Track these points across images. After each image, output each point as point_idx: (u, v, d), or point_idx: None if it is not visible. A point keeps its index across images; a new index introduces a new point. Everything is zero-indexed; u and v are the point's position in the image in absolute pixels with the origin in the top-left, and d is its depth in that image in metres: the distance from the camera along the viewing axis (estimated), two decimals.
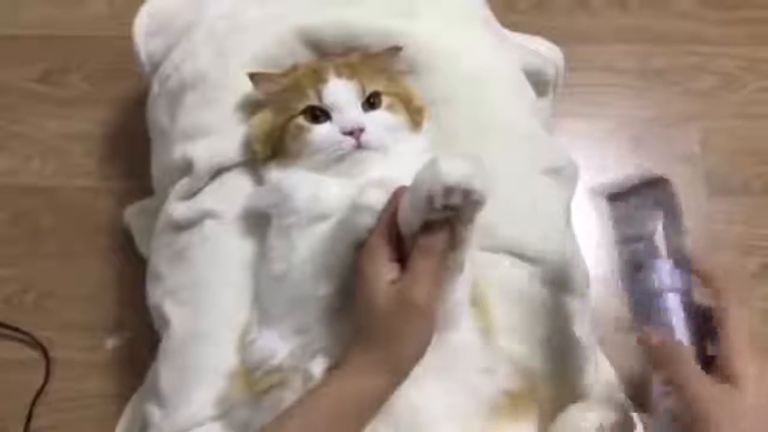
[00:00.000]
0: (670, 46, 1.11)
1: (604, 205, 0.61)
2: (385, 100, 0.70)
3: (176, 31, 0.81)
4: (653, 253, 0.58)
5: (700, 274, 0.58)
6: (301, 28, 0.77)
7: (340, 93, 0.68)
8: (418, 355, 0.56)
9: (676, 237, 0.58)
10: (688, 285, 0.58)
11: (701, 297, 0.58)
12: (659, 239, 0.58)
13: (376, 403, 0.57)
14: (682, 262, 0.58)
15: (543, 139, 0.80)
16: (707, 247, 0.99)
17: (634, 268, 0.59)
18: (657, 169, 1.00)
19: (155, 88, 0.82)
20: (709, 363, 0.55)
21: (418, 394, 0.60)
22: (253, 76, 0.71)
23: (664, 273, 0.58)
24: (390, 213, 0.56)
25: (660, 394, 0.56)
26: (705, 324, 0.57)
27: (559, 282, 0.73)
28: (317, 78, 0.69)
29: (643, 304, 0.59)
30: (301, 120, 0.68)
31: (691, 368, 0.54)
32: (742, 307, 0.55)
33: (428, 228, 0.54)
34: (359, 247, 0.57)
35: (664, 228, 0.58)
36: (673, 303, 0.57)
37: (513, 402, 0.66)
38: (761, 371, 0.53)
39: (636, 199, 0.60)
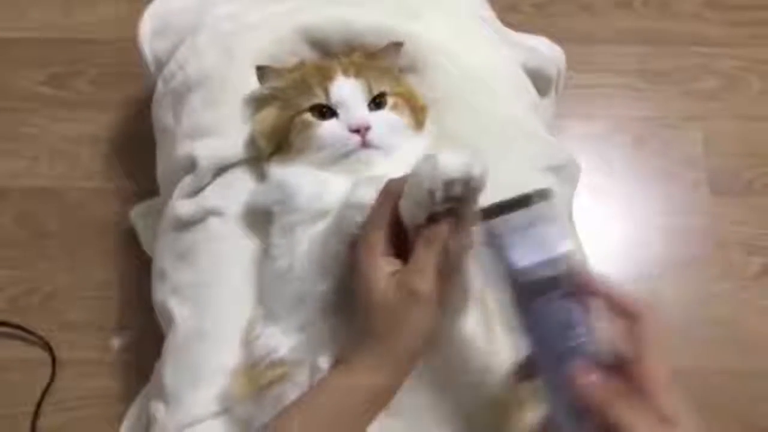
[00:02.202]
0: (672, 47, 1.11)
1: (489, 225, 0.51)
2: (390, 100, 0.71)
3: (181, 31, 0.82)
4: (554, 284, 0.50)
5: (612, 304, 0.50)
6: (304, 27, 0.78)
7: (347, 91, 0.68)
8: (421, 348, 0.56)
9: (569, 259, 0.50)
10: (587, 314, 0.50)
11: (604, 327, 0.51)
12: (562, 263, 0.50)
13: (379, 399, 0.57)
14: (582, 293, 0.50)
15: (544, 138, 0.80)
16: (713, 245, 1.00)
17: (534, 302, 0.50)
18: (655, 172, 1.03)
19: (160, 88, 0.82)
20: None
21: (421, 391, 0.60)
22: (259, 70, 0.71)
23: (569, 302, 0.50)
24: (382, 206, 0.56)
25: None
26: (616, 361, 0.50)
27: None
28: (324, 76, 0.70)
29: (551, 344, 0.50)
30: (307, 116, 0.69)
31: (634, 410, 0.47)
32: (658, 343, 0.49)
33: (432, 219, 0.54)
34: (352, 244, 0.58)
35: (566, 249, 0.50)
36: (582, 340, 0.50)
37: (516, 398, 0.66)
38: (693, 414, 0.48)
39: (525, 216, 0.50)
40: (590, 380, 0.48)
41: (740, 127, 1.07)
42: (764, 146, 1.06)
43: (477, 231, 0.52)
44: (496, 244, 0.51)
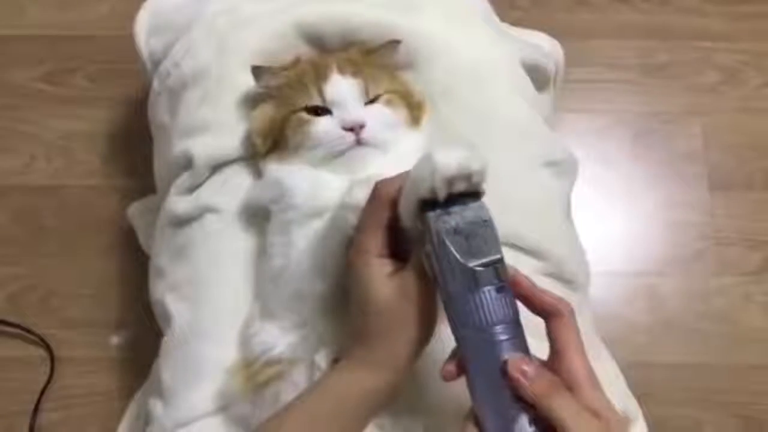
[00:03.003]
0: (672, 41, 1.11)
1: (432, 214, 0.50)
2: (386, 97, 0.70)
3: (176, 28, 0.81)
4: (480, 274, 0.49)
5: (532, 302, 0.51)
6: (300, 22, 0.77)
7: (343, 90, 0.68)
8: (419, 349, 0.56)
9: (503, 261, 0.50)
10: (515, 312, 0.50)
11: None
12: (494, 261, 0.49)
13: (377, 399, 0.56)
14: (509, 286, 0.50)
15: (543, 133, 0.80)
16: (713, 240, 0.99)
17: (466, 291, 0.50)
18: (655, 167, 1.03)
19: (156, 85, 0.82)
20: None
21: (420, 391, 0.60)
22: (255, 69, 0.71)
23: (496, 302, 0.49)
24: (374, 208, 0.55)
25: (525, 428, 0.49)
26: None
27: (559, 275, 0.73)
28: (319, 74, 0.69)
29: (484, 339, 0.50)
30: (302, 114, 0.68)
31: (572, 402, 0.47)
32: (578, 339, 0.50)
33: None
34: (348, 245, 0.57)
35: (499, 250, 0.50)
36: (511, 335, 0.49)
37: None
38: (609, 403, 0.49)
39: (468, 208, 0.51)
40: (532, 372, 0.48)
41: (740, 122, 1.07)
42: (765, 141, 1.06)
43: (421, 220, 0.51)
44: (433, 240, 0.50)
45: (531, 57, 0.84)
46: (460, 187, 0.50)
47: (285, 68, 0.72)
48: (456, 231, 0.50)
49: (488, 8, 0.87)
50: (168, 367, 0.72)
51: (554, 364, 0.50)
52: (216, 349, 0.69)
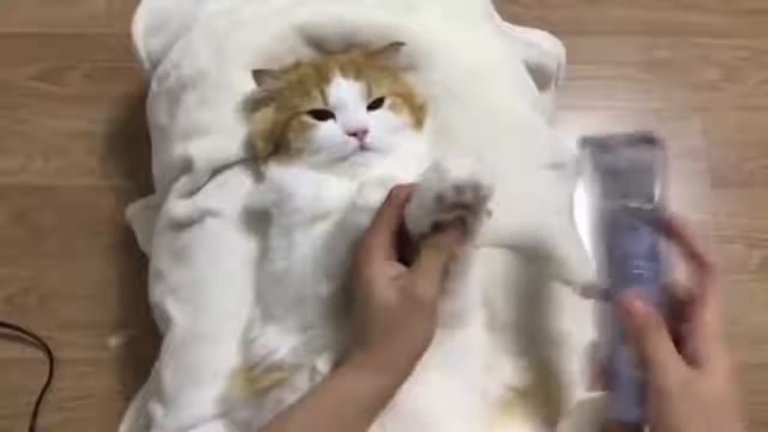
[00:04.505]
0: (673, 38, 1.11)
1: (590, 153, 0.56)
2: (389, 101, 0.70)
3: (175, 28, 0.81)
4: (641, 216, 0.55)
5: (690, 250, 0.55)
6: (301, 24, 0.76)
7: (346, 93, 0.68)
8: (420, 352, 0.56)
9: (664, 205, 0.55)
10: (667, 257, 0.55)
11: (678, 274, 0.56)
12: (649, 203, 0.55)
13: (379, 401, 0.57)
14: (665, 232, 0.55)
15: (545, 134, 0.79)
16: (714, 238, 0.99)
17: (616, 227, 0.55)
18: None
19: (154, 86, 0.81)
20: (675, 342, 0.53)
21: (424, 393, 0.60)
22: (256, 73, 0.71)
23: (648, 240, 0.55)
24: (388, 211, 0.56)
25: (626, 363, 0.54)
26: (676, 302, 0.55)
27: (563, 277, 0.73)
28: (322, 77, 0.69)
29: (620, 268, 0.55)
30: (305, 117, 0.68)
31: (668, 345, 0.52)
32: (719, 296, 0.53)
33: (438, 226, 0.54)
34: (356, 247, 0.57)
35: (656, 192, 0.55)
36: (650, 273, 0.55)
37: (520, 398, 0.66)
38: (730, 361, 0.52)
39: (629, 153, 0.55)
40: (639, 306, 0.53)
41: (741, 118, 1.06)
42: (766, 137, 1.05)
43: (584, 156, 0.57)
44: (600, 173, 0.56)
45: (532, 56, 0.84)
46: (468, 197, 0.51)
47: (286, 71, 0.72)
48: (620, 166, 0.55)
49: (488, 7, 0.86)
50: (169, 372, 0.71)
51: (691, 308, 0.53)
52: (216, 353, 0.69)
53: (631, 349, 0.53)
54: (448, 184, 0.50)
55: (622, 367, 0.54)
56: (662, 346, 0.52)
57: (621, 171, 0.55)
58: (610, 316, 0.55)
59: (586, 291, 0.58)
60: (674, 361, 0.51)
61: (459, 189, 0.50)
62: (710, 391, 0.51)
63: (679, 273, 0.55)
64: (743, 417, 0.52)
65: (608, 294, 0.55)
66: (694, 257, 0.55)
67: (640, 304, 0.53)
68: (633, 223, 0.55)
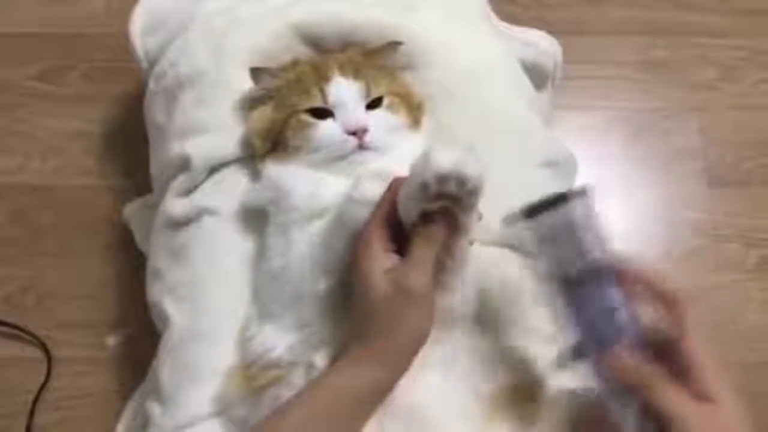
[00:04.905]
0: (670, 38, 1.11)
1: (521, 228, 0.55)
2: (387, 100, 0.70)
3: (172, 27, 0.81)
4: (590, 273, 0.54)
5: (653, 291, 0.55)
6: (298, 23, 0.77)
7: (345, 93, 0.68)
8: (417, 345, 0.56)
9: (606, 250, 0.54)
10: (630, 300, 0.55)
11: (645, 312, 0.55)
12: (588, 258, 0.54)
13: (376, 396, 0.57)
14: (623, 281, 0.55)
15: (541, 133, 0.80)
16: (711, 237, 0.99)
17: (573, 292, 0.55)
18: (653, 164, 1.02)
19: (152, 85, 0.82)
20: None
21: (422, 391, 0.60)
22: (253, 71, 0.71)
23: (611, 289, 0.54)
24: (386, 203, 0.56)
25: (631, 416, 0.53)
26: (657, 341, 0.54)
27: None
28: (321, 76, 0.69)
29: (594, 324, 0.54)
30: (303, 115, 0.68)
31: (676, 393, 0.51)
32: (697, 321, 0.53)
33: (428, 217, 0.54)
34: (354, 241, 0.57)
35: (587, 247, 0.54)
36: (623, 321, 0.54)
37: (516, 397, 0.66)
38: (730, 380, 0.52)
39: (547, 220, 0.55)
40: (632, 361, 0.53)
41: (738, 118, 1.06)
42: (763, 137, 1.05)
43: (519, 230, 0.56)
44: (539, 243, 0.55)
45: (529, 56, 0.84)
46: (452, 187, 0.51)
47: (284, 69, 0.72)
48: (556, 230, 0.54)
49: (485, 7, 0.86)
50: (166, 370, 0.71)
51: (672, 349, 0.53)
52: (214, 352, 0.69)
53: (634, 402, 0.53)
54: (430, 174, 0.50)
55: (630, 421, 0.53)
56: (671, 395, 0.51)
57: (549, 238, 0.55)
58: (597, 374, 0.55)
59: (561, 361, 0.57)
60: (691, 408, 0.51)
61: (442, 179, 0.50)
62: (728, 422, 0.51)
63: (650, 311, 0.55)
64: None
65: (588, 353, 0.55)
66: (660, 296, 0.54)
67: (631, 357, 0.53)
68: (586, 282, 0.54)
